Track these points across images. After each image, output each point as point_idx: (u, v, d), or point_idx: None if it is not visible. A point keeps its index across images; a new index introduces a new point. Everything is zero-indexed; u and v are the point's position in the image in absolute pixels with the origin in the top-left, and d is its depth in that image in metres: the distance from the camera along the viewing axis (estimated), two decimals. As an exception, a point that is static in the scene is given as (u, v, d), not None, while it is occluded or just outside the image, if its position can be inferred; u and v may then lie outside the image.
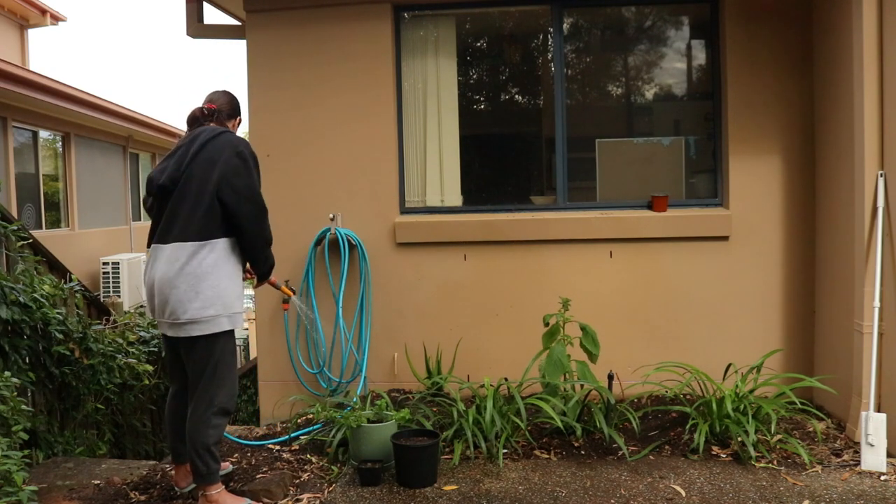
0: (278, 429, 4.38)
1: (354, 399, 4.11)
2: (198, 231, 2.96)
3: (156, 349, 5.39)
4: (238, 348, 16.89)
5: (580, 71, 5.36)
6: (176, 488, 3.40)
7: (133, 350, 5.05)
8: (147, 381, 5.05)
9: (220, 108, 3.28)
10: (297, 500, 3.32)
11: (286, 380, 4.79)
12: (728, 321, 4.61)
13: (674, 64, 5.12)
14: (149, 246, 3.14)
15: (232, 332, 3.09)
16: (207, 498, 3.07)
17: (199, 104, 3.31)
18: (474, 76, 5.57)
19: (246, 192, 3.00)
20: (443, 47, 4.95)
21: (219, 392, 3.05)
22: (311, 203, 4.80)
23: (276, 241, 4.79)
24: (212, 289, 2.97)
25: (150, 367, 5.07)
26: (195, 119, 3.24)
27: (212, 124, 3.22)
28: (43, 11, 14.36)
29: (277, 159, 4.84)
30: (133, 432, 5.21)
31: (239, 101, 3.42)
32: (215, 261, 2.99)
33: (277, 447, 4.01)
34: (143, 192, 13.48)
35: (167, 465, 3.89)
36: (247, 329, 19.12)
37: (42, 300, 4.26)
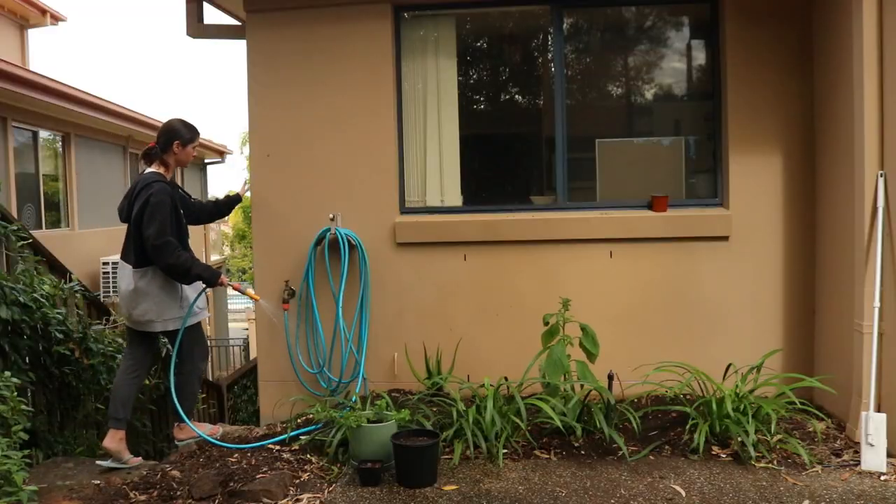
0: (278, 429, 4.37)
1: (354, 399, 4.11)
2: (135, 260, 3.90)
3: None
4: (238, 348, 16.97)
5: (580, 71, 5.36)
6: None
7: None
8: (147, 382, 5.04)
9: (156, 147, 3.98)
10: (297, 500, 3.32)
11: (286, 380, 4.79)
12: (728, 321, 4.60)
13: (674, 64, 5.12)
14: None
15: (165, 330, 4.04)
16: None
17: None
18: (474, 76, 5.57)
19: (152, 241, 3.79)
20: (443, 47, 4.95)
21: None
22: (311, 203, 4.80)
23: (276, 241, 4.85)
24: (147, 301, 3.91)
25: (150, 368, 5.06)
26: (145, 155, 4.05)
27: (152, 165, 3.99)
28: (43, 11, 14.35)
29: (277, 159, 4.84)
30: (133, 432, 5.18)
31: (176, 126, 4.02)
32: (148, 282, 3.91)
33: (277, 447, 4.01)
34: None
35: (167, 465, 3.89)
36: (247, 329, 19.15)
37: (42, 300, 4.26)
